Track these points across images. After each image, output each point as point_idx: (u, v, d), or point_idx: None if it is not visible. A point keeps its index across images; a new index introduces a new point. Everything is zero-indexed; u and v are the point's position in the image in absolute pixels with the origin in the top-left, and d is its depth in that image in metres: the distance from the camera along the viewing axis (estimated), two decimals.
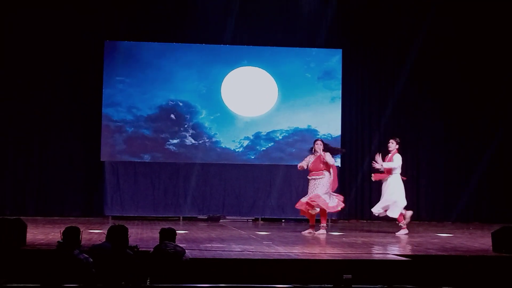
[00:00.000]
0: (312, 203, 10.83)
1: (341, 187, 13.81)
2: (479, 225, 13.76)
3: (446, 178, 14.63)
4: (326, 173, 10.93)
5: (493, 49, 14.64)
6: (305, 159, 11.15)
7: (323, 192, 10.84)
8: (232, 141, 14.04)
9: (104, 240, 6.54)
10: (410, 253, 8.22)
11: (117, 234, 6.22)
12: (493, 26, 14.58)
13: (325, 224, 11.10)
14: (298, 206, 11.12)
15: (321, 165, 10.92)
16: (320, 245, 9.49)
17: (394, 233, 11.11)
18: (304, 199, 11.01)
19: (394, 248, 9.06)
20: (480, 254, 8.30)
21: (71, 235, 6.06)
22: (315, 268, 7.28)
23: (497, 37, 14.61)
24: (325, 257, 7.90)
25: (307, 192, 11.04)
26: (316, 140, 11.20)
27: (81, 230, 6.24)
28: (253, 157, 14.07)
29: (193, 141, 13.97)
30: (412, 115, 14.67)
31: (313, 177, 10.96)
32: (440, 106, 14.71)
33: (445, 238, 10.48)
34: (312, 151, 11.10)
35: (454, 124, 14.68)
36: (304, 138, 13.77)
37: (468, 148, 14.70)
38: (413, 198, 14.43)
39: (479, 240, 10.07)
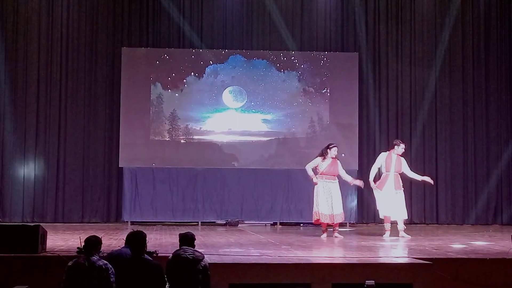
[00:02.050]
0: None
1: (359, 190, 13.79)
2: (499, 228, 13.67)
3: (465, 180, 14.53)
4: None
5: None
6: (314, 162, 11.19)
7: (341, 201, 11.11)
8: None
9: (123, 246, 6.56)
10: (430, 256, 8.17)
11: (136, 240, 6.23)
12: None
13: (338, 228, 11.22)
14: (324, 220, 11.10)
15: (337, 170, 11.08)
16: (340, 250, 9.46)
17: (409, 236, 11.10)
18: (330, 218, 11.02)
19: (414, 251, 9.01)
20: (500, 256, 8.23)
21: (92, 246, 6.09)
22: (335, 273, 7.26)
23: None
24: (345, 261, 7.87)
25: (315, 192, 11.12)
26: (333, 146, 11.19)
27: (100, 236, 6.27)
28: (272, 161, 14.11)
29: (212, 146, 14.04)
30: (430, 117, 14.59)
31: (329, 180, 11.02)
32: (458, 107, 14.62)
33: (465, 241, 10.40)
34: (323, 154, 11.12)
35: (472, 126, 14.59)
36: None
37: (487, 150, 14.60)
38: (432, 200, 14.38)
39: (499, 243, 10.01)
